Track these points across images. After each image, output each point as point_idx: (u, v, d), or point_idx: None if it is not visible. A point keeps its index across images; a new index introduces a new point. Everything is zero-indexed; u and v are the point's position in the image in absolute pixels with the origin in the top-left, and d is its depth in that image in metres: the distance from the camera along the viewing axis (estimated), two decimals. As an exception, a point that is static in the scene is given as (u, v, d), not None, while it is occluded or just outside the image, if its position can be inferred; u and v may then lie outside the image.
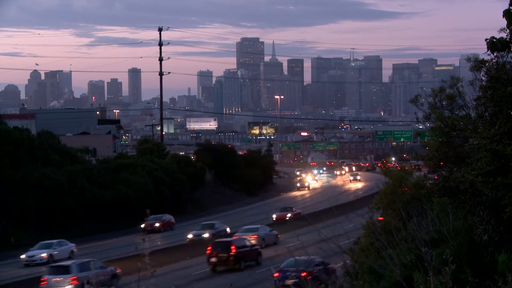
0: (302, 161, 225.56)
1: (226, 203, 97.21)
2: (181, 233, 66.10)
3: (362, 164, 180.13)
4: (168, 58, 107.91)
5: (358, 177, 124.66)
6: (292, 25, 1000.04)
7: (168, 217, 73.57)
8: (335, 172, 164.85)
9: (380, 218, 25.78)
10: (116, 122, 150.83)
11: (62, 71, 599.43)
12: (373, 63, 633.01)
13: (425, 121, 23.40)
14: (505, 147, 13.80)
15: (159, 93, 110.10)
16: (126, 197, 76.35)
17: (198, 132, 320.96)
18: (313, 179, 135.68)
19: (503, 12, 12.17)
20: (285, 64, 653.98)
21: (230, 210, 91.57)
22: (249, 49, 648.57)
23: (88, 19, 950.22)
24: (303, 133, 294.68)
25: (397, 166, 41.09)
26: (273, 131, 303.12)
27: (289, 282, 34.97)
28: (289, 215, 74.53)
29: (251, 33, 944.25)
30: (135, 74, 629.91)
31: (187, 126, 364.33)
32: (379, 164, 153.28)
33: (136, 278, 9.76)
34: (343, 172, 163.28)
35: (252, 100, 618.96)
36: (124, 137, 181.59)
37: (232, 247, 46.20)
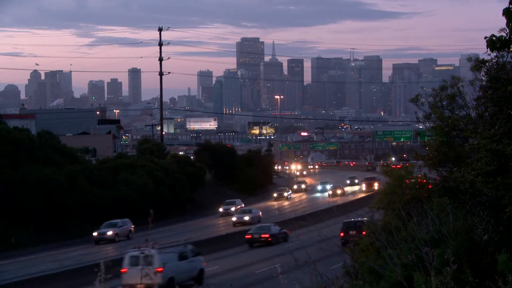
0: (302, 161, 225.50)
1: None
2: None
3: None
4: (168, 58, 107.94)
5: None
6: (292, 25, 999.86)
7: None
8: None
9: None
10: (116, 122, 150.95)
11: (62, 71, 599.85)
12: (373, 63, 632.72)
13: (426, 120, 23.39)
14: (505, 147, 13.80)
15: (159, 93, 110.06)
16: (126, 197, 76.30)
17: (198, 132, 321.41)
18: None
19: (503, 10, 12.18)
20: (285, 64, 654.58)
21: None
22: (249, 49, 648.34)
23: (89, 19, 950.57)
24: (303, 133, 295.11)
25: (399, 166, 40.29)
26: (273, 131, 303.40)
27: None
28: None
29: (251, 33, 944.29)
30: (135, 74, 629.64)
31: (187, 126, 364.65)
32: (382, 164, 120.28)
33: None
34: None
35: (252, 100, 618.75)
36: (124, 137, 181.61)
37: None
